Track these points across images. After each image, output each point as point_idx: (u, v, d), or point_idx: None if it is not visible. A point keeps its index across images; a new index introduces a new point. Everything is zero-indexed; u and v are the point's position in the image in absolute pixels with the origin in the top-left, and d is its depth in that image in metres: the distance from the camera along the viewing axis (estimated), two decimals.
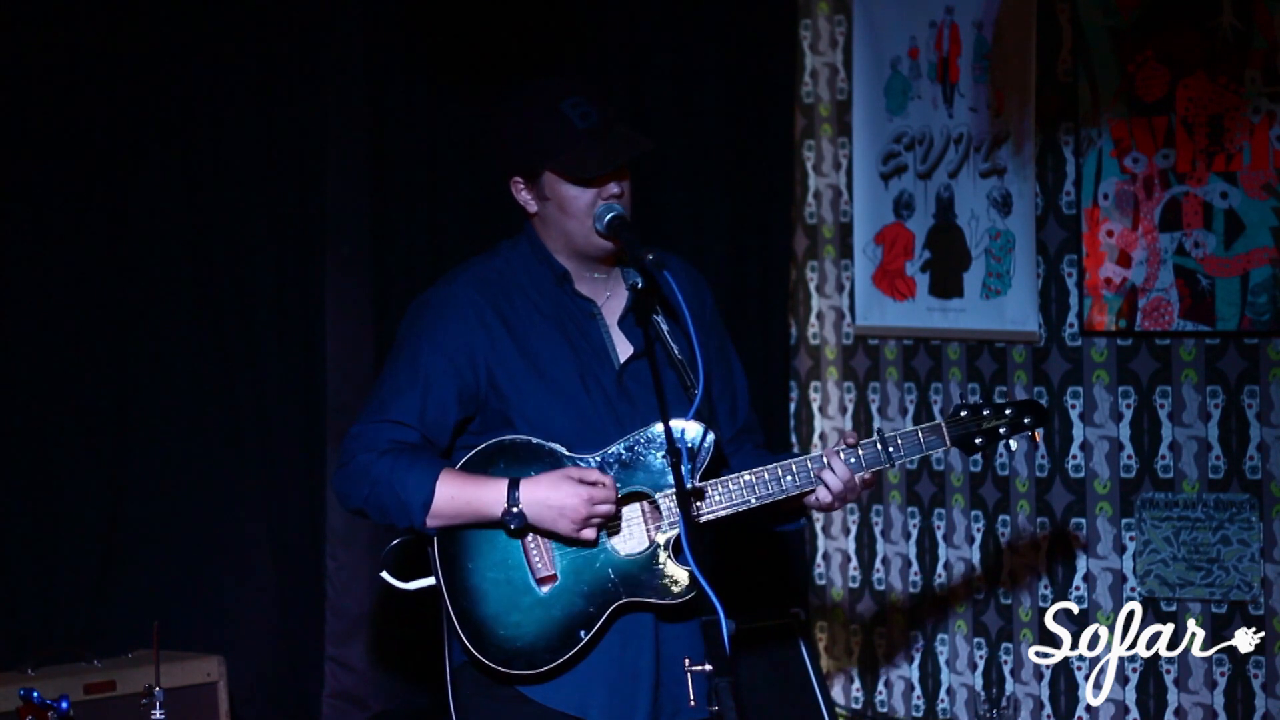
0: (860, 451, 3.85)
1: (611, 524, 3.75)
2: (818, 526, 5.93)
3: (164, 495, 4.91)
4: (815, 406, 5.96)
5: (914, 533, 5.72)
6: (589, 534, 3.70)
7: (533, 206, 3.80)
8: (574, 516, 3.68)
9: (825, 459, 3.82)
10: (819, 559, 5.94)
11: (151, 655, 4.21)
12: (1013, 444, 3.95)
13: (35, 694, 3.96)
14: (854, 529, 5.87)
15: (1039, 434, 4.01)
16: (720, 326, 3.99)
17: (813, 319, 5.97)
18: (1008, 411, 3.94)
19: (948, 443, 3.91)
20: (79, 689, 4.34)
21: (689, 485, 3.65)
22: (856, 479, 3.82)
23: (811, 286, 5.96)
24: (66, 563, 4.76)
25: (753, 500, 3.80)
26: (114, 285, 4.85)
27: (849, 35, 5.81)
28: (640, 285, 3.67)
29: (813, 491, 3.84)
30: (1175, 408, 5.17)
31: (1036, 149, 5.35)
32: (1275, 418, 5.02)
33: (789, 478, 3.81)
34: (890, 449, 3.86)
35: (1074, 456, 5.34)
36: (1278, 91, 4.95)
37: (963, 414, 3.93)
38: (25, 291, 4.71)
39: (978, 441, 3.93)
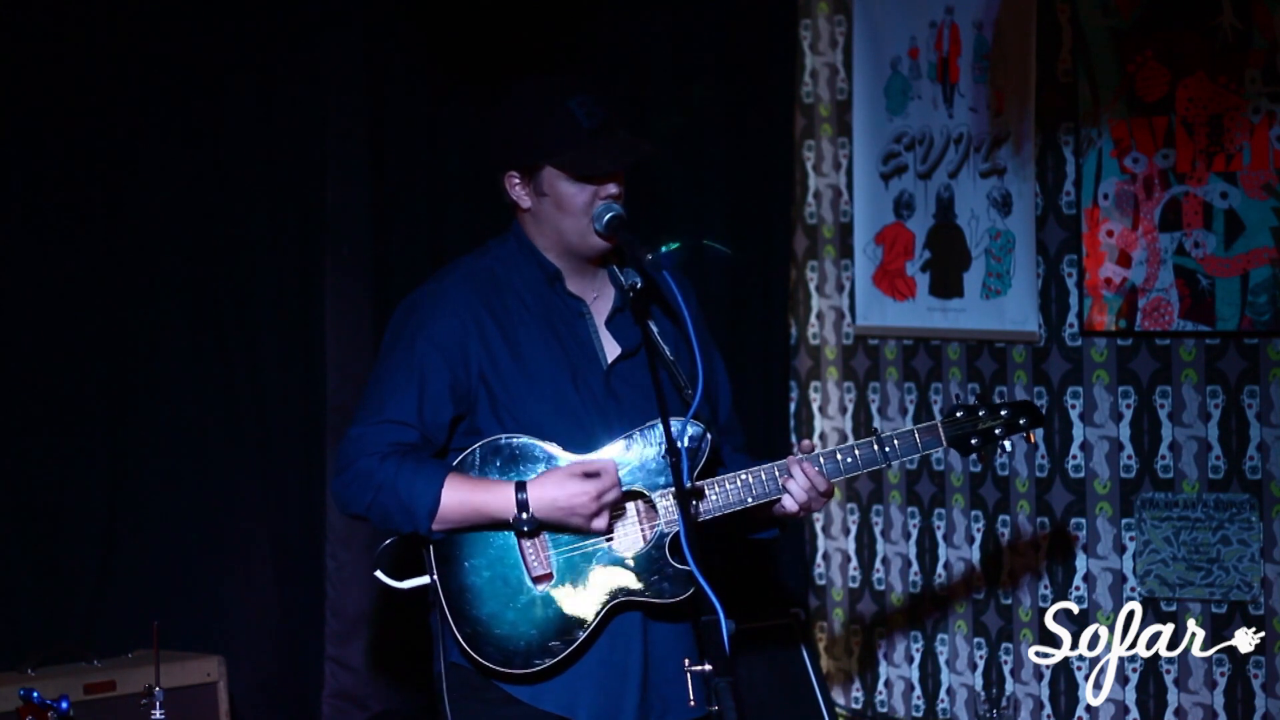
0: (857, 452, 3.85)
1: (616, 509, 3.75)
2: (818, 526, 5.93)
3: (164, 495, 4.91)
4: (815, 406, 5.96)
5: (914, 533, 5.72)
6: (600, 524, 3.70)
7: (526, 203, 3.78)
8: (584, 513, 3.68)
9: (788, 466, 3.81)
10: (819, 559, 5.93)
11: (151, 655, 4.21)
12: (1008, 445, 3.95)
13: (35, 694, 3.96)
14: (854, 529, 5.86)
15: (1035, 435, 4.02)
16: (706, 330, 3.98)
17: (813, 319, 5.97)
18: (1004, 412, 3.94)
19: (944, 443, 3.91)
20: (79, 689, 4.35)
21: (688, 484, 3.65)
22: (820, 487, 3.80)
23: (811, 286, 5.96)
24: (66, 563, 4.76)
25: (749, 500, 3.80)
26: (114, 285, 4.85)
27: (849, 35, 5.81)
28: (639, 285, 3.67)
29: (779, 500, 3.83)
30: (1175, 408, 5.17)
31: (1036, 149, 5.34)
32: (1275, 418, 5.01)
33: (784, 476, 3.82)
34: (886, 449, 3.86)
35: (1074, 456, 5.34)
36: (1278, 91, 4.94)
37: (959, 414, 3.93)
38: (24, 291, 4.71)
39: (973, 442, 3.94)
